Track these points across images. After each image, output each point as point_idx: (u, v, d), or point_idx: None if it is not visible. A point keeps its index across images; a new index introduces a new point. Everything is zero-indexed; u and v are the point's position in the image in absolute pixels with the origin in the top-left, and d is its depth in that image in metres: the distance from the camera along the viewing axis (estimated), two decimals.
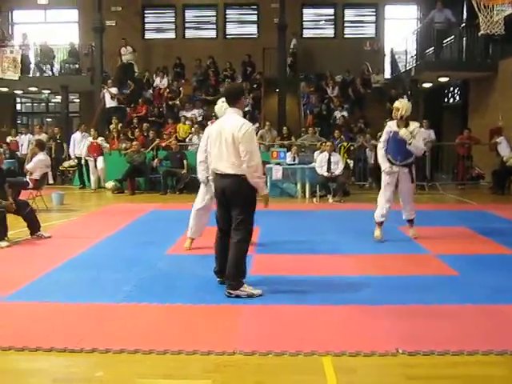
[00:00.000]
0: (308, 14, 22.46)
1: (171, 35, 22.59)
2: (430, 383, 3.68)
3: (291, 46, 20.45)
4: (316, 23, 22.69)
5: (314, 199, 13.10)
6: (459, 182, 16.09)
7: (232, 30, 22.61)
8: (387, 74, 21.48)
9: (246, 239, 5.36)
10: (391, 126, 7.88)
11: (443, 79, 17.82)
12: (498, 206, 11.83)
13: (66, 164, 17.23)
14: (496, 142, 15.28)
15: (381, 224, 8.04)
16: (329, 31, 22.57)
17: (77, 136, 16.12)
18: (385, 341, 4.25)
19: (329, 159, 12.89)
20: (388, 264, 6.84)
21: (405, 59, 20.17)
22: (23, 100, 24.54)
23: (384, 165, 7.95)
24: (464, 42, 17.38)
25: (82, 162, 15.57)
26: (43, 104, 24.73)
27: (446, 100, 21.59)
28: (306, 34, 22.39)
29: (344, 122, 17.32)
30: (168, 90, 19.06)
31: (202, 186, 7.27)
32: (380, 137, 8.44)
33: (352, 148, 15.36)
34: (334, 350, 4.06)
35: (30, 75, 19.61)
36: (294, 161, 14.00)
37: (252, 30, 22.52)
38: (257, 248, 7.14)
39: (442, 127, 19.59)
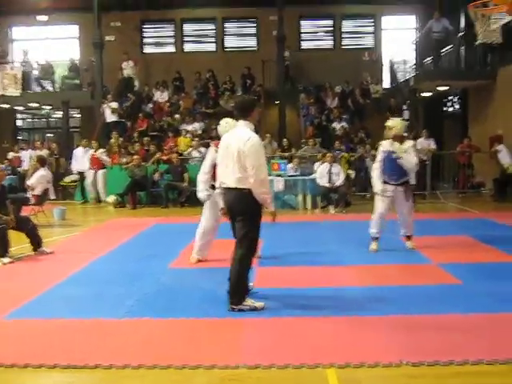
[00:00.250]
0: (306, 25, 22.55)
1: (170, 49, 22.69)
2: None
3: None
4: (314, 35, 22.78)
5: (316, 210, 13.11)
6: (460, 190, 16.09)
7: (231, 43, 22.71)
8: (386, 84, 21.52)
9: (248, 255, 5.33)
10: (385, 145, 7.89)
11: (442, 88, 17.87)
12: (499, 213, 11.83)
13: (67, 179, 17.27)
14: (496, 150, 15.31)
15: (377, 239, 8.03)
16: (327, 42, 22.66)
17: (78, 151, 16.18)
18: (388, 352, 4.24)
19: (329, 170, 12.91)
20: (390, 274, 6.83)
21: (403, 69, 20.24)
22: (24, 116, 24.62)
23: (377, 186, 7.96)
24: (462, 50, 17.44)
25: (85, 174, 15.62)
26: (44, 119, 24.80)
27: (445, 109, 21.62)
28: (305, 45, 22.48)
29: (344, 132, 17.34)
30: (168, 104, 19.11)
31: (206, 205, 7.29)
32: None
33: (353, 158, 15.38)
34: (338, 362, 4.05)
35: (31, 91, 19.68)
36: (295, 172, 14.02)
37: (251, 42, 22.60)
38: (259, 260, 7.14)
39: (442, 136, 19.61)
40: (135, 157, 15.27)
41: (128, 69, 19.93)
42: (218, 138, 7.33)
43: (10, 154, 17.92)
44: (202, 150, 15.05)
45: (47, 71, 19.76)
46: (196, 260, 7.40)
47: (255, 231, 5.26)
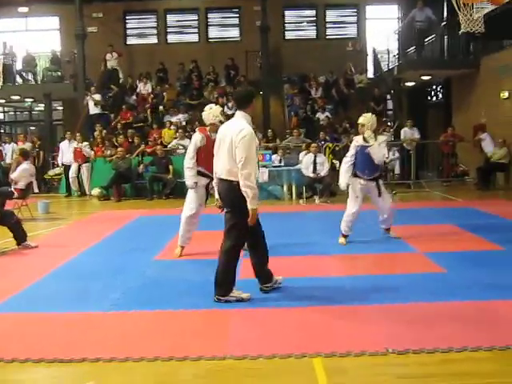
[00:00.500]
0: (290, 15, 22.52)
1: (153, 40, 22.55)
2: (420, 382, 3.69)
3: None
4: (298, 25, 22.75)
5: (301, 200, 13.13)
6: (444, 179, 16.20)
7: (214, 33, 22.61)
8: (370, 74, 21.56)
9: (236, 247, 5.31)
10: (358, 140, 7.90)
11: (426, 77, 17.92)
12: (483, 202, 11.92)
13: (51, 172, 17.15)
14: (480, 139, 15.41)
15: (346, 236, 7.99)
16: (311, 32, 22.64)
17: (64, 144, 16.04)
18: (374, 340, 4.27)
19: (314, 160, 12.92)
20: (375, 263, 6.88)
21: (387, 58, 20.28)
22: (6, 109, 24.38)
23: (342, 181, 7.94)
24: (445, 40, 17.51)
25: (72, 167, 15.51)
26: (26, 112, 24.57)
27: (429, 98, 21.72)
28: (289, 35, 22.44)
29: (328, 122, 17.37)
30: (152, 96, 19.01)
31: (190, 193, 7.25)
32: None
33: (337, 148, 15.40)
34: (324, 351, 4.07)
35: (12, 84, 19.47)
36: (279, 163, 14.02)
37: (234, 33, 22.53)
38: (245, 252, 7.13)
39: (426, 125, 19.68)
40: (119, 149, 15.19)
41: (112, 60, 19.77)
42: (203, 124, 7.36)
43: None
44: (187, 141, 14.97)
45: (29, 63, 19.56)
46: (180, 250, 7.38)
47: (243, 223, 5.17)
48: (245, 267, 5.66)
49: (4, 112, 24.54)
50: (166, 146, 15.70)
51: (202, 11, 22.26)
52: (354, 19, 22.46)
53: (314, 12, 22.44)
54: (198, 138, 7.06)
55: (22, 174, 10.96)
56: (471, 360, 3.93)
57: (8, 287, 5.99)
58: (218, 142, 5.37)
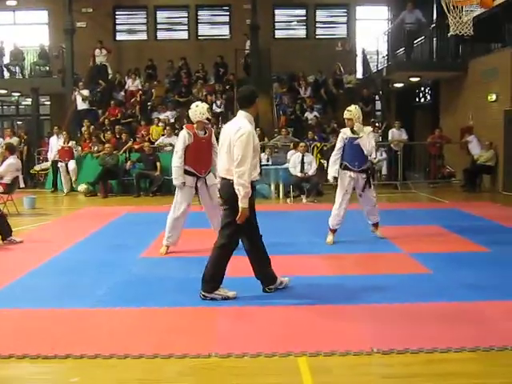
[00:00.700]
0: (280, 14, 22.51)
1: (143, 36, 22.44)
2: (404, 382, 3.71)
3: (246, 47, 20.40)
4: (288, 24, 22.76)
5: (288, 200, 13.14)
6: (431, 180, 16.28)
7: (204, 31, 22.54)
8: (359, 75, 21.60)
9: (228, 245, 5.28)
10: (346, 132, 7.91)
11: (414, 79, 17.98)
12: (469, 203, 11.98)
13: (37, 167, 17.03)
14: (467, 141, 15.52)
15: (335, 231, 8.01)
16: (301, 32, 22.66)
17: (53, 140, 15.93)
18: (359, 340, 4.28)
19: (302, 160, 12.93)
20: (361, 263, 6.89)
21: (376, 59, 20.33)
22: None
23: (330, 173, 7.99)
24: (434, 42, 17.58)
25: (58, 165, 15.38)
26: (13, 107, 24.38)
27: (417, 100, 21.82)
28: (279, 34, 22.43)
29: (317, 122, 17.39)
30: (141, 92, 18.93)
31: (177, 193, 7.20)
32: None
33: (325, 148, 15.42)
34: (309, 351, 4.08)
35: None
36: (267, 162, 14.01)
37: (224, 31, 22.49)
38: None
39: (414, 127, 19.80)
40: (107, 145, 15.12)
41: (100, 56, 19.67)
42: (190, 122, 7.32)
43: None
44: (174, 139, 14.91)
45: (17, 57, 19.41)
46: (165, 249, 7.33)
47: (237, 223, 5.15)
48: (231, 265, 5.63)
49: None
50: (153, 143, 15.65)
51: (192, 8, 22.19)
52: (344, 19, 22.49)
53: (304, 11, 22.46)
54: (185, 135, 7.02)
55: (8, 168, 10.86)
56: (455, 360, 3.95)
57: None
58: (221, 142, 5.37)
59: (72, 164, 15.14)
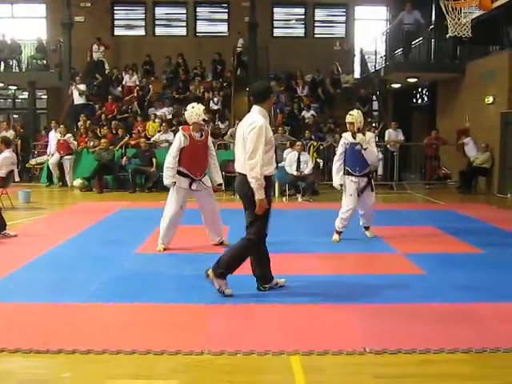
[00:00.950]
0: (279, 13, 22.52)
1: (141, 32, 22.42)
2: (397, 382, 3.70)
3: (238, 45, 20.37)
4: (287, 22, 22.76)
5: (284, 198, 13.14)
6: (427, 181, 16.30)
7: (202, 28, 22.54)
8: (357, 74, 21.61)
9: (255, 241, 5.26)
10: (347, 137, 7.91)
11: (412, 80, 17.99)
12: (464, 205, 12.01)
13: (32, 161, 16.99)
14: (463, 143, 15.55)
15: (340, 233, 8.02)
16: (299, 30, 22.66)
17: (52, 134, 15.88)
18: (352, 340, 4.28)
19: (298, 158, 12.93)
20: (356, 263, 6.90)
21: (374, 60, 20.35)
22: None
23: (335, 180, 7.99)
24: (432, 43, 17.59)
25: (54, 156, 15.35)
26: (10, 100, 24.30)
27: (414, 101, 21.83)
28: (277, 33, 22.43)
29: (314, 121, 17.39)
30: (138, 88, 18.89)
31: (172, 193, 7.19)
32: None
33: (321, 147, 15.43)
34: (302, 349, 4.07)
35: None
36: None
37: (222, 28, 22.47)
38: (225, 248, 7.12)
39: (411, 127, 19.81)
40: (103, 140, 15.09)
41: (98, 52, 19.64)
42: (186, 123, 7.30)
43: None
44: (171, 135, 14.88)
45: (14, 50, 19.33)
46: (162, 249, 7.29)
47: (262, 219, 5.17)
48: None
49: None
50: (149, 139, 15.61)
51: (191, 5, 22.17)
52: (343, 19, 22.53)
53: (303, 10, 22.48)
54: (181, 137, 6.99)
55: (3, 162, 10.81)
56: (448, 361, 3.95)
57: None
58: (237, 139, 5.36)
59: (68, 158, 15.14)
